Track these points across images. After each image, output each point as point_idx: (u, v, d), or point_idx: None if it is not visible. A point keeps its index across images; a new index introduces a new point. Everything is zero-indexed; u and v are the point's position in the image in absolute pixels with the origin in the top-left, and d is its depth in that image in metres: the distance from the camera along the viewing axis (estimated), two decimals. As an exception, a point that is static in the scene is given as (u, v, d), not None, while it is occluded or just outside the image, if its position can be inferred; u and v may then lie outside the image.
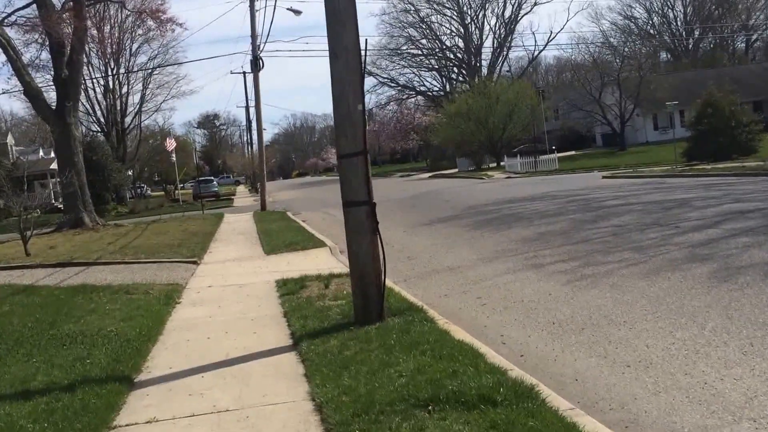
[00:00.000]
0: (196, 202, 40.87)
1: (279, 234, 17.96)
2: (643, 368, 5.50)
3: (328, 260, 13.45)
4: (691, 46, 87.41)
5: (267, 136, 35.64)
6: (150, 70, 54.83)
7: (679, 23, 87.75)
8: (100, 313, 8.65)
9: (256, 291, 10.10)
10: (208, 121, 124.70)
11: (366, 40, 7.05)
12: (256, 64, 31.79)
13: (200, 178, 45.16)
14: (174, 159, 41.06)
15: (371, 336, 6.45)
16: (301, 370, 5.88)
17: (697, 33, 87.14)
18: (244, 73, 57.75)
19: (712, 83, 36.00)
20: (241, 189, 75.84)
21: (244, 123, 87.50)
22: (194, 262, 13.91)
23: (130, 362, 6.37)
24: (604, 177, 30.47)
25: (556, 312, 7.57)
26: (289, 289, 9.66)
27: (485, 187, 32.76)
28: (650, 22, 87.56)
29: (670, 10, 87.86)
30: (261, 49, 32.18)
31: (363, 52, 7.00)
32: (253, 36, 31.90)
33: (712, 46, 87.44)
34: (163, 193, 62.63)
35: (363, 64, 7.02)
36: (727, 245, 9.75)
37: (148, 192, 67.93)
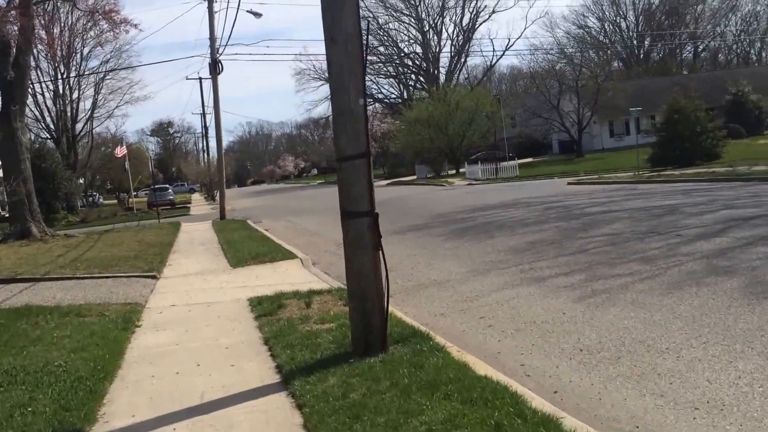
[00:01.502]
0: (151, 211, 39.15)
1: (243, 244, 16.75)
2: (717, 412, 4.57)
3: (300, 273, 12.36)
4: (642, 55, 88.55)
5: (222, 144, 34.47)
6: (102, 74, 52.73)
7: (631, 32, 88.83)
8: (46, 343, 7.40)
9: (227, 311, 8.95)
10: (162, 129, 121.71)
11: (368, 22, 6.02)
12: (215, 67, 30.43)
13: (155, 186, 43.31)
14: (127, 167, 39.32)
15: (378, 372, 5.40)
16: (298, 419, 4.80)
17: (647, 42, 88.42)
18: (200, 78, 56.37)
19: (678, 89, 35.92)
20: (197, 197, 73.86)
21: (199, 130, 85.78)
22: (153, 277, 12.64)
23: (83, 409, 5.19)
24: (569, 183, 29.98)
25: (579, 335, 6.64)
26: (265, 309, 8.54)
27: (449, 194, 31.97)
28: (603, 31, 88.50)
29: (622, 20, 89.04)
30: (220, 52, 30.84)
31: (365, 38, 5.97)
32: (212, 38, 30.56)
33: (662, 55, 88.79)
34: (116, 201, 60.39)
35: (365, 52, 6.00)
36: (746, 256, 8.98)
37: (101, 201, 65.45)
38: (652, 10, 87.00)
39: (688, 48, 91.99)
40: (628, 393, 5.10)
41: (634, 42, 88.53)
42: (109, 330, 7.90)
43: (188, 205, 52.61)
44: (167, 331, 8.01)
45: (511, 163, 46.19)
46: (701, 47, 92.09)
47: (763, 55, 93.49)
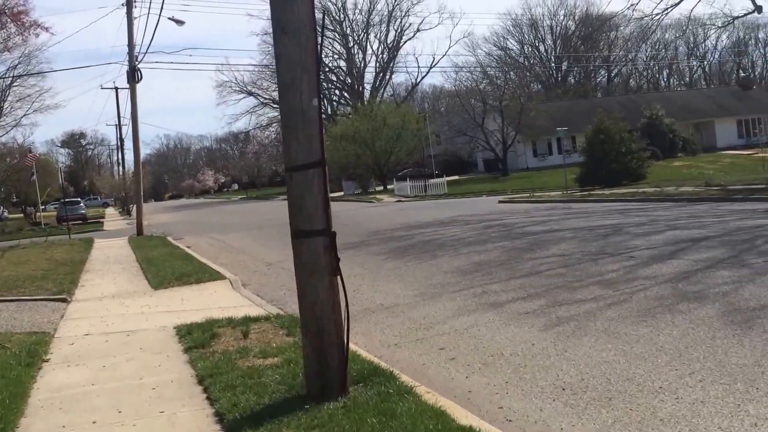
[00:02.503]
0: (62, 226, 36.86)
1: (164, 263, 15.50)
2: (746, 469, 3.92)
3: (230, 296, 11.37)
4: (560, 78, 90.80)
5: (140, 155, 32.67)
6: (10, 81, 49.83)
7: (549, 55, 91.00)
8: (-69, 384, 6.20)
9: (151, 342, 7.88)
10: (74, 140, 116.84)
11: (324, 13, 5.21)
12: (134, 75, 28.88)
13: (66, 200, 40.90)
14: (35, 178, 36.97)
15: (342, 423, 4.53)
16: (250, 487, 3.89)
17: (565, 66, 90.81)
18: (117, 88, 54.07)
19: (601, 110, 36.43)
20: (111, 211, 70.70)
21: (113, 142, 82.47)
22: (64, 300, 11.36)
23: (-26, 477, 4.14)
24: (500, 201, 29.79)
25: (557, 371, 5.95)
26: (195, 339, 7.53)
27: (381, 211, 31.31)
28: (523, 53, 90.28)
29: (540, 44, 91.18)
30: (139, 59, 29.29)
31: (319, 30, 5.15)
32: (131, 45, 29.00)
33: (578, 79, 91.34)
34: (22, 215, 57.00)
35: (319, 46, 5.18)
36: (711, 280, 8.54)
37: (6, 215, 61.75)
38: (569, 35, 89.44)
39: (602, 73, 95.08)
40: (634, 444, 4.41)
41: (552, 65, 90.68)
42: (10, 366, 6.73)
43: (102, 220, 50.11)
44: (81, 367, 6.91)
45: (440, 180, 46.01)
46: (614, 72, 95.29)
47: (672, 81, 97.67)
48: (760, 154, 47.00)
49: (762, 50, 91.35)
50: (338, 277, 5.19)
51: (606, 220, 16.29)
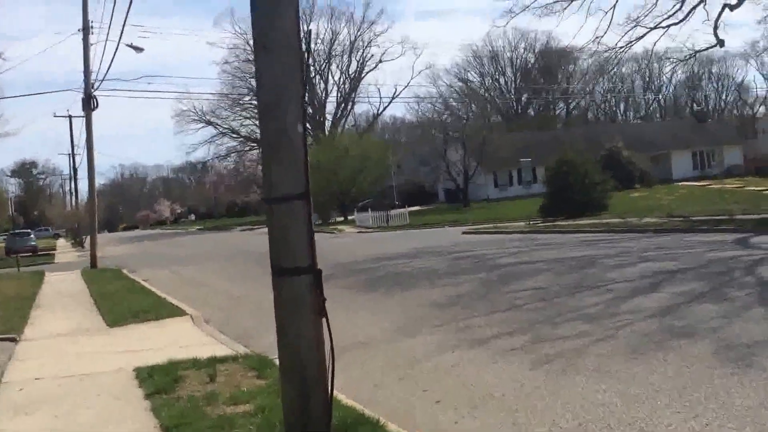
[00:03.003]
0: (10, 258, 35.55)
1: (121, 298, 14.77)
2: None
3: (193, 334, 10.76)
4: (520, 110, 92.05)
5: (95, 185, 31.58)
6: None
7: (510, 88, 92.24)
8: None
9: (110, 386, 7.28)
10: (25, 170, 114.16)
11: (310, 30, 4.85)
12: (89, 103, 28.12)
13: (15, 231, 39.54)
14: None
15: (331, 481, 4.08)
16: None
17: (525, 98, 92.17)
18: (71, 116, 52.79)
19: (566, 142, 36.74)
20: (63, 243, 68.71)
21: (66, 171, 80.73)
22: (12, 339, 10.60)
23: None
24: (464, 232, 29.57)
25: (552, 415, 5.56)
26: (157, 383, 6.96)
27: (344, 242, 30.86)
28: (483, 85, 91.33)
29: (501, 76, 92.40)
30: (95, 87, 28.57)
31: (305, 47, 4.76)
32: (87, 71, 28.27)
33: (538, 110, 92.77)
34: (-32, 247, 55.03)
35: (305, 65, 4.80)
36: (696, 315, 8.29)
37: (-50, 246, 59.62)
38: (529, 68, 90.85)
39: (561, 105, 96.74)
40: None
41: (512, 97, 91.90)
42: (-49, 417, 6.10)
43: (53, 252, 48.57)
44: (32, 417, 6.29)
45: (401, 210, 45.75)
46: (573, 105, 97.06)
47: (629, 114, 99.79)
48: (716, 186, 48.10)
49: (715, 84, 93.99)
50: (324, 319, 4.75)
51: (576, 252, 16.11)
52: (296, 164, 4.73)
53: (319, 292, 4.74)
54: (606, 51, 25.35)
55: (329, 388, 4.75)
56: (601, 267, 13.14)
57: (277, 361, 7.84)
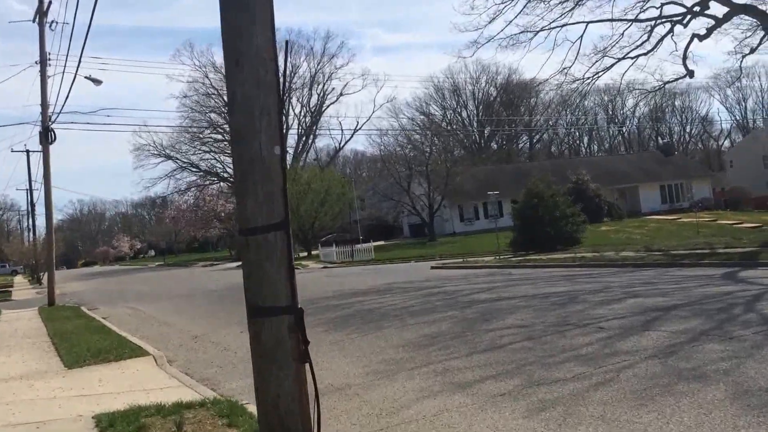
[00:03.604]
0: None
1: (79, 337, 13.88)
2: None
3: (156, 376, 10.00)
4: (483, 143, 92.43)
5: (53, 221, 30.47)
6: None
7: (472, 121, 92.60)
8: None
9: (61, 440, 6.53)
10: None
11: (287, 42, 4.32)
12: (47, 136, 27.14)
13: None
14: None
15: None
16: None
17: (487, 132, 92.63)
18: (28, 151, 51.42)
19: (536, 175, 36.59)
20: (20, 280, 66.47)
21: (24, 207, 78.62)
22: (-43, 385, 9.72)
23: None
24: (433, 267, 29.08)
25: (559, 471, 4.99)
26: (117, 434, 6.25)
27: (309, 278, 30.08)
28: (445, 119, 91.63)
29: (463, 109, 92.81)
30: (53, 119, 27.62)
31: (281, 62, 4.21)
32: (44, 104, 27.34)
33: (501, 143, 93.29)
34: None
35: (282, 82, 4.24)
36: (702, 355, 7.76)
37: None
38: (491, 101, 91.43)
39: (524, 138, 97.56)
40: None
41: (475, 131, 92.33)
42: None
43: (10, 289, 46.72)
44: (-32, 481, 5.52)
45: (366, 245, 45.16)
46: (536, 138, 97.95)
47: (592, 147, 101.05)
48: (688, 219, 48.39)
49: (679, 117, 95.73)
50: (308, 366, 4.14)
51: (555, 287, 15.66)
52: (273, 192, 4.18)
53: (302, 335, 4.14)
54: (573, 82, 25.33)
55: (314, 449, 4.13)
56: (586, 303, 12.65)
57: (249, 407, 7.19)
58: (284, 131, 4.26)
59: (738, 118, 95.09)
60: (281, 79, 4.26)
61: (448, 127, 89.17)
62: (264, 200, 4.13)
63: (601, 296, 13.46)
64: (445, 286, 18.56)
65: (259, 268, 4.14)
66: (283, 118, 4.34)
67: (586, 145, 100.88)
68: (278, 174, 4.17)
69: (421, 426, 6.43)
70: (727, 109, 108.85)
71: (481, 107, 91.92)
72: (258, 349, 4.14)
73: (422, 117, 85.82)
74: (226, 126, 77.44)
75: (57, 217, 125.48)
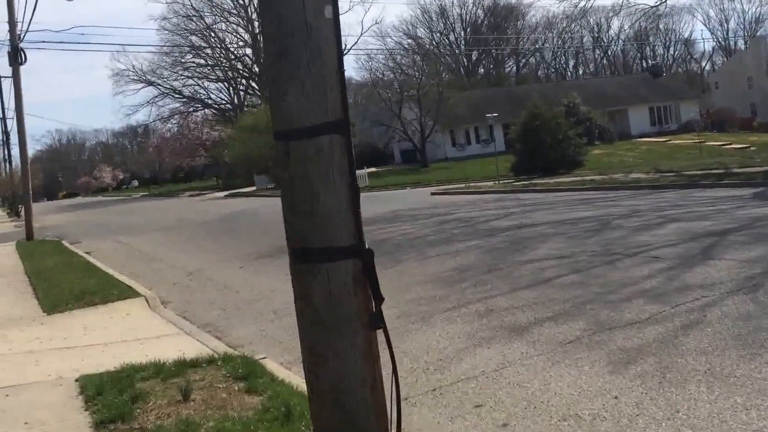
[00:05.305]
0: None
1: (60, 276, 12.58)
2: None
3: (150, 321, 8.83)
4: (471, 67, 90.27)
5: (29, 153, 28.99)
6: None
7: (460, 44, 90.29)
8: None
9: (42, 410, 5.27)
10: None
11: None
12: (17, 56, 25.18)
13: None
14: None
15: None
16: None
17: (474, 56, 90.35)
18: (0, 76, 48.94)
19: (528, 99, 35.01)
20: (-2, 212, 64.89)
21: (-1, 136, 75.97)
22: None
23: None
24: (433, 194, 27.84)
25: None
26: (109, 405, 5.00)
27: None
28: (433, 42, 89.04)
29: (450, 32, 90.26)
30: (22, 38, 25.61)
31: None
32: (11, 20, 25.25)
33: (489, 68, 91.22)
34: None
35: None
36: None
37: None
38: (478, 24, 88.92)
39: (510, 63, 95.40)
40: None
41: (463, 54, 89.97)
42: None
43: (-14, 223, 45.34)
44: None
45: (361, 172, 43.63)
46: (523, 63, 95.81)
47: (579, 71, 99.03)
48: (675, 141, 47.35)
49: (663, 39, 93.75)
50: (384, 333, 2.89)
51: (578, 212, 14.48)
52: (325, 76, 2.79)
53: (374, 290, 2.86)
54: (560, 3, 23.54)
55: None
56: (623, 229, 11.45)
57: (267, 365, 5.99)
58: None
59: (720, 39, 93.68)
60: None
61: (436, 50, 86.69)
62: (313, 89, 2.76)
63: (635, 221, 12.26)
64: (455, 212, 17.34)
65: (306, 186, 2.80)
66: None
67: (572, 70, 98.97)
68: (332, 50, 2.79)
69: (481, 384, 5.26)
70: (709, 30, 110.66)
71: (468, 30, 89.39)
72: (308, 311, 2.84)
73: (409, 41, 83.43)
74: (208, 50, 74.75)
75: (35, 147, 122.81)
